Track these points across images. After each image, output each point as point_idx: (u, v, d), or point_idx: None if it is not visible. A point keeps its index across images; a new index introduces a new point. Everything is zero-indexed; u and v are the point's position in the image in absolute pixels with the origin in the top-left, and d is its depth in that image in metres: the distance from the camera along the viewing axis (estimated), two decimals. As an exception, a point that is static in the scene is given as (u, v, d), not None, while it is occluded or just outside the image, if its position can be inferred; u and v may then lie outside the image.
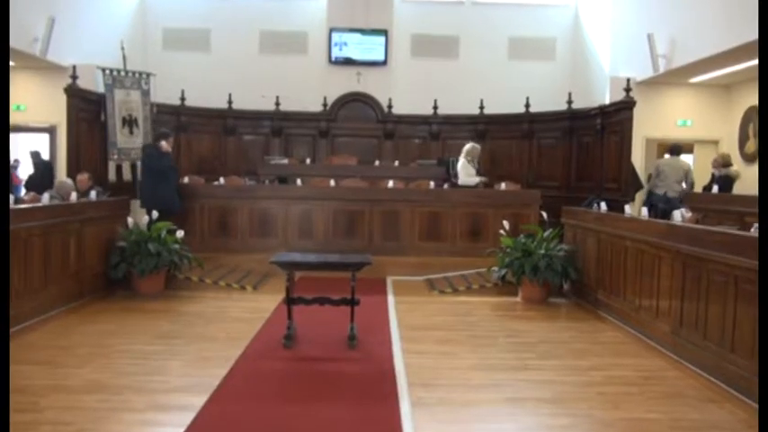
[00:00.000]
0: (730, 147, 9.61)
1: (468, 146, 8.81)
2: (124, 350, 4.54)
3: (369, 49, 11.36)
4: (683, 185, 8.50)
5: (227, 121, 11.18)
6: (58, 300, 5.66)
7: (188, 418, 3.34)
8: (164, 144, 7.42)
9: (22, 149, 10.31)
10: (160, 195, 7.32)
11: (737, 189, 8.45)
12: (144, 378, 3.95)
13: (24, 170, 10.51)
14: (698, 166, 10.11)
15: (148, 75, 9.49)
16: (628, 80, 9.09)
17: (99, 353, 4.44)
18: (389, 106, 11.29)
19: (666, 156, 8.86)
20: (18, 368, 3.95)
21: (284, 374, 4.13)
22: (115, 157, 8.92)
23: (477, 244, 7.83)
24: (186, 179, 8.69)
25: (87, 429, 3.21)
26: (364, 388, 3.90)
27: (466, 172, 8.61)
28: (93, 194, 6.87)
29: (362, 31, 11.33)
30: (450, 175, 9.16)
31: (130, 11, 11.06)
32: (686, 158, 8.70)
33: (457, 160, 8.84)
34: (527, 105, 10.94)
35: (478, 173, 8.90)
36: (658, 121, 9.87)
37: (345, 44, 11.37)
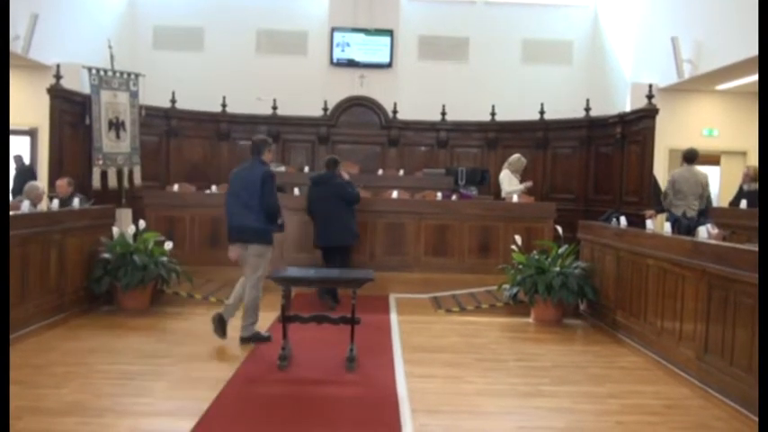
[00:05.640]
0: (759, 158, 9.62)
1: (512, 157, 8.97)
2: (106, 370, 4.54)
3: (373, 50, 11.43)
4: (701, 201, 7.99)
5: (220, 125, 11.24)
6: (36, 315, 5.64)
7: (174, 443, 3.34)
8: (342, 172, 7.06)
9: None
10: (352, 228, 6.90)
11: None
12: (127, 400, 3.95)
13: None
14: (724, 179, 10.10)
15: (137, 75, 9.56)
16: (650, 86, 9.13)
17: (78, 372, 4.43)
18: (394, 111, 11.34)
19: (681, 167, 8.17)
20: (-8, 388, 3.95)
21: (278, 398, 4.12)
22: (100, 162, 8.96)
23: (487, 260, 7.84)
24: (176, 187, 8.72)
25: (65, 455, 3.21)
26: (364, 414, 3.89)
27: (508, 183, 8.72)
28: (76, 202, 6.89)
29: (366, 32, 11.41)
30: (458, 185, 9.21)
31: (119, 7, 11.18)
32: (706, 170, 8.54)
33: (470, 170, 8.90)
34: (541, 112, 10.99)
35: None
36: (682, 130, 9.88)
37: (348, 45, 11.45)
